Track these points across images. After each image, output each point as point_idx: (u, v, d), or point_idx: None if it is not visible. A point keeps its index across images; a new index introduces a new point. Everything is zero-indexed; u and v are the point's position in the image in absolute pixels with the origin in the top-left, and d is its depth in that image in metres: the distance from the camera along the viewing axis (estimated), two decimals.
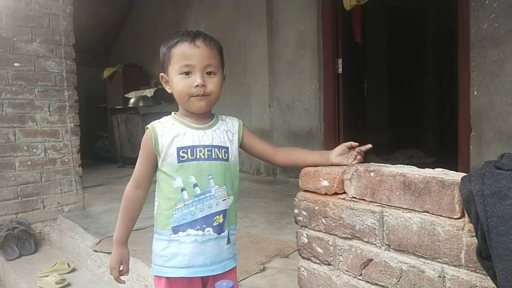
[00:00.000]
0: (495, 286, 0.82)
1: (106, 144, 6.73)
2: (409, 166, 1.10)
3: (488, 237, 0.81)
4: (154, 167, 1.13)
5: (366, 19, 4.47)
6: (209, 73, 1.09)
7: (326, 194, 1.18)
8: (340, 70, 4.09)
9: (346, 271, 1.15)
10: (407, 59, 5.96)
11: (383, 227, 1.05)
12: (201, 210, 1.08)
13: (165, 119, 1.16)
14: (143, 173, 1.14)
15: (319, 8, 4.21)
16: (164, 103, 5.63)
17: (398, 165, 1.13)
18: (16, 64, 2.99)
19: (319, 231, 1.20)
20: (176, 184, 1.08)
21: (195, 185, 1.08)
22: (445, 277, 0.95)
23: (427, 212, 0.97)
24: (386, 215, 1.05)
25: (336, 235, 1.16)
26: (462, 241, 0.92)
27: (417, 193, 0.99)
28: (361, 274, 1.12)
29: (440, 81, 6.43)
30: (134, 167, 1.17)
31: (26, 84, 3.05)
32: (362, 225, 1.09)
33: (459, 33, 3.27)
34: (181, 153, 1.08)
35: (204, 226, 1.09)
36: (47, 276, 2.36)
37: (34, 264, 2.69)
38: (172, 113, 1.18)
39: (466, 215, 0.90)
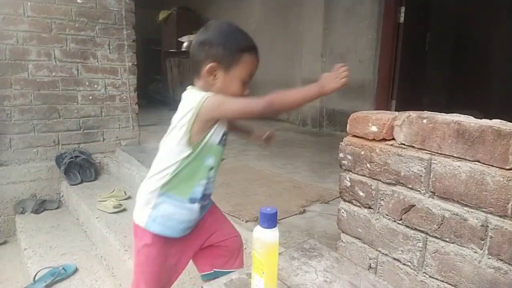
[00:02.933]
0: None
1: (160, 86, 6.96)
2: (465, 115, 1.06)
3: None
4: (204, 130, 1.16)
5: None
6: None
7: (373, 139, 1.18)
8: (402, 19, 3.84)
9: (386, 215, 1.17)
10: (480, 13, 5.43)
11: (430, 174, 1.05)
12: (209, 189, 1.20)
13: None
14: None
15: None
16: None
17: (453, 113, 1.09)
18: (79, 1, 3.11)
19: (363, 175, 1.22)
20: (208, 162, 1.15)
21: (218, 167, 1.19)
22: (488, 226, 0.95)
23: (478, 161, 0.95)
24: (434, 163, 1.04)
25: (380, 180, 1.17)
26: (511, 192, 0.90)
27: (470, 141, 0.96)
28: (401, 219, 1.13)
29: None
30: None
31: (87, 21, 3.17)
32: (408, 171, 1.09)
33: None
34: (224, 137, 1.16)
35: (206, 199, 1.22)
36: (105, 200, 2.60)
37: (94, 190, 2.96)
38: (201, 88, 1.18)
39: None
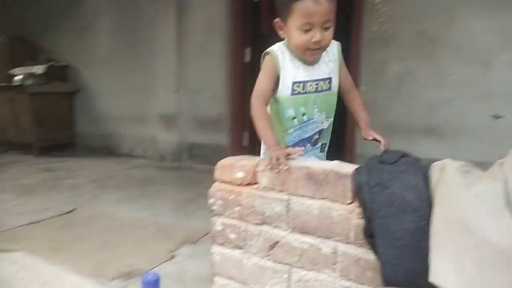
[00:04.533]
0: (376, 257, 1.02)
1: None
2: (313, 158, 1.26)
3: (372, 219, 0.99)
4: (274, 87, 1.30)
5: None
6: (326, 28, 1.21)
7: (240, 184, 1.28)
8: (248, 58, 4.22)
9: (256, 253, 1.28)
10: None
11: (290, 212, 1.20)
12: (306, 132, 1.35)
13: (280, 48, 1.30)
14: (268, 91, 1.29)
15: None
16: (56, 82, 5.17)
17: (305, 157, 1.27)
18: None
19: (233, 218, 1.31)
20: (288, 113, 1.30)
21: (303, 114, 1.32)
22: (337, 252, 1.13)
23: (325, 198, 1.14)
24: (292, 202, 1.19)
25: (248, 221, 1.28)
26: (352, 222, 1.10)
27: (318, 183, 1.14)
28: (268, 255, 1.25)
29: None
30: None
31: None
32: (272, 211, 1.22)
33: (353, 33, 3.64)
34: (295, 87, 1.27)
35: (306, 143, 1.38)
36: None
37: None
38: (283, 43, 1.31)
39: (356, 201, 1.09)
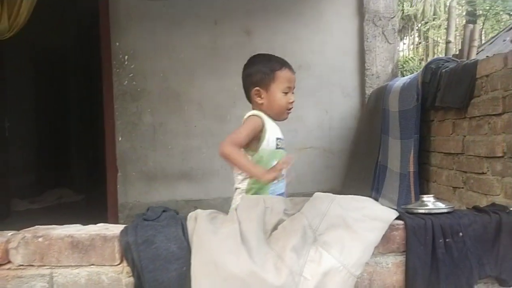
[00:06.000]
0: None
1: None
2: (75, 225, 1.23)
3: (142, 274, 1.07)
4: (253, 144, 1.40)
5: (9, 55, 4.14)
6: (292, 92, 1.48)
7: None
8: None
9: None
10: (56, 99, 5.93)
11: (53, 287, 1.12)
12: (284, 186, 1.46)
13: (259, 112, 1.44)
14: (244, 143, 1.37)
15: None
16: None
17: (65, 225, 1.23)
18: None
19: None
20: (272, 165, 1.34)
21: None
22: None
23: (93, 264, 1.14)
24: (56, 275, 1.13)
25: None
26: (122, 282, 1.15)
27: (84, 250, 1.14)
28: None
29: (89, 124, 6.70)
30: None
31: None
32: None
33: (104, 86, 3.69)
34: (278, 142, 1.44)
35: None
36: None
37: None
38: (257, 110, 1.45)
39: (124, 260, 1.14)
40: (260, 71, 1.45)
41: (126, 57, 3.67)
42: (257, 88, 1.45)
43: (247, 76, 1.49)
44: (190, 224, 1.12)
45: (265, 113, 1.46)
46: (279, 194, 1.47)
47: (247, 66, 1.51)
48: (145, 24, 3.69)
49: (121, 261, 1.15)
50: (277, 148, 1.45)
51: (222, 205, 1.22)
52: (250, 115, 1.44)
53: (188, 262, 1.05)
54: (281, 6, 3.83)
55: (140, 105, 3.70)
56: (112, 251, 1.14)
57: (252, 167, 1.31)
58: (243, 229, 1.07)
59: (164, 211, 1.20)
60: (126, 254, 1.11)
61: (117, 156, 3.66)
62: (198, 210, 1.19)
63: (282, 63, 1.48)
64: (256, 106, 1.48)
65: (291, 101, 1.48)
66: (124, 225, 1.19)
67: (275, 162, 1.43)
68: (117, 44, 3.66)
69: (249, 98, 1.51)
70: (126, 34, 3.66)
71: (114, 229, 1.19)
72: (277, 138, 1.45)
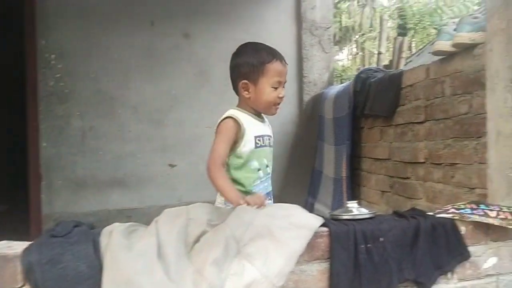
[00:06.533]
0: None
1: None
2: None
3: None
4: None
5: None
6: (283, 87, 1.40)
7: None
8: None
9: None
10: None
11: None
12: (269, 185, 1.44)
13: (236, 112, 1.36)
14: (226, 156, 1.33)
15: None
16: None
17: None
18: None
19: None
20: (253, 165, 1.36)
21: (267, 166, 1.41)
22: None
23: None
24: None
25: None
26: None
27: None
28: None
29: (11, 128, 6.15)
30: None
31: None
32: None
33: (28, 86, 3.39)
34: (257, 140, 1.36)
35: (269, 197, 1.43)
36: None
37: None
38: (235, 108, 1.40)
39: (27, 283, 1.02)
40: (248, 63, 1.34)
41: (53, 56, 3.42)
42: (244, 81, 1.36)
43: (235, 67, 1.38)
44: (103, 240, 1.03)
45: (251, 107, 1.39)
46: (267, 194, 1.42)
47: (235, 56, 1.40)
48: (76, 21, 3.46)
49: (24, 284, 1.03)
50: (256, 147, 1.37)
51: (158, 214, 1.14)
52: (223, 119, 1.35)
53: (99, 282, 0.96)
54: (221, 10, 3.79)
55: (68, 107, 3.45)
56: (13, 273, 1.02)
57: (228, 192, 1.26)
58: (162, 243, 1.00)
59: (76, 226, 1.09)
60: (29, 275, 1.00)
61: (41, 162, 3.38)
62: (116, 224, 1.10)
63: (273, 55, 1.37)
64: (242, 100, 1.40)
65: (280, 96, 1.39)
66: (29, 242, 1.07)
67: (256, 163, 1.38)
68: (43, 42, 3.39)
69: (236, 90, 1.41)
70: (54, 31, 3.41)
71: (17, 247, 1.07)
72: (256, 137, 1.37)
